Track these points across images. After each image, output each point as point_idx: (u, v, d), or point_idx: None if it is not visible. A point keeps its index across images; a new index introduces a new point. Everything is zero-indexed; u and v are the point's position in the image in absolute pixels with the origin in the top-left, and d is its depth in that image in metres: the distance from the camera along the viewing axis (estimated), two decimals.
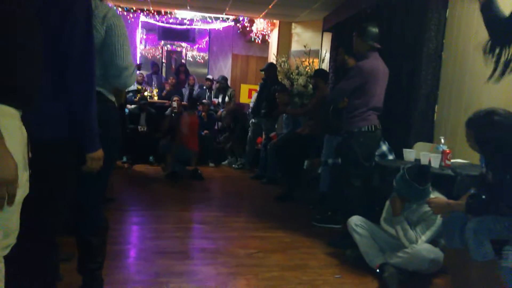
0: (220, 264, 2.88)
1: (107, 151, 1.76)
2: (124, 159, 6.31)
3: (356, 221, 2.93)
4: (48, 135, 1.53)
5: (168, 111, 6.88)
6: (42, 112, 1.50)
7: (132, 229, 3.59)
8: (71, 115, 1.57)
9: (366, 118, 3.22)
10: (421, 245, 2.60)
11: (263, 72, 6.33)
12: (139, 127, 6.58)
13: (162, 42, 10.29)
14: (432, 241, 2.67)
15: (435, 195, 2.62)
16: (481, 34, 3.23)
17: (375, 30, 3.25)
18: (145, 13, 9.09)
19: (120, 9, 8.58)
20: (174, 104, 6.67)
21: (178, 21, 9.54)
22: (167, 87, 8.43)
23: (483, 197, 2.23)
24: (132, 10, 8.83)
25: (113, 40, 1.83)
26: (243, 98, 9.27)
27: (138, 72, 7.88)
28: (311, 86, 6.19)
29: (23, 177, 1.19)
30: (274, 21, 8.78)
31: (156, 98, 8.01)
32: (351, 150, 3.25)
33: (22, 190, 1.21)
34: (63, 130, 1.57)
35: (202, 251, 3.14)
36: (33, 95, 1.25)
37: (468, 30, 3.40)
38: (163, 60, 10.43)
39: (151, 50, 10.26)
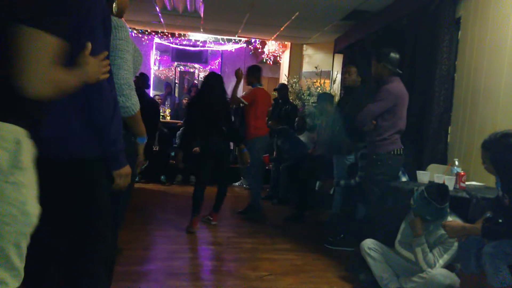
0: (230, 287, 2.85)
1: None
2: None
3: (369, 245, 2.87)
4: (77, 155, 1.49)
5: (179, 132, 6.93)
6: (70, 131, 1.47)
7: (143, 250, 3.58)
8: (96, 132, 1.52)
9: (395, 141, 3.29)
10: (437, 270, 2.54)
11: (275, 92, 6.39)
12: (152, 146, 6.63)
13: (175, 63, 10.47)
14: (448, 266, 2.60)
15: (452, 218, 2.57)
16: (494, 55, 3.22)
17: (396, 55, 3.31)
18: (159, 35, 9.29)
19: (135, 32, 8.79)
20: None
21: (191, 43, 9.73)
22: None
23: (500, 220, 2.18)
24: (146, 32, 9.04)
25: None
26: None
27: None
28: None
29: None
30: (286, 42, 8.89)
31: (168, 118, 8.10)
32: (379, 173, 3.26)
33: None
34: (91, 149, 1.52)
35: (213, 273, 3.11)
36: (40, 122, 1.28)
37: (481, 51, 3.39)
38: (176, 81, 10.59)
39: (164, 71, 10.44)
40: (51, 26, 1.10)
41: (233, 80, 10.27)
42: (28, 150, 1.16)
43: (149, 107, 4.60)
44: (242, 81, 4.87)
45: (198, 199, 4.16)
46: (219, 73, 5.40)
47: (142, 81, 4.77)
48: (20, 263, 1.15)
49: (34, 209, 1.16)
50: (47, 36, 1.09)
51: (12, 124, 1.12)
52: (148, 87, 5.62)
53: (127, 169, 1.65)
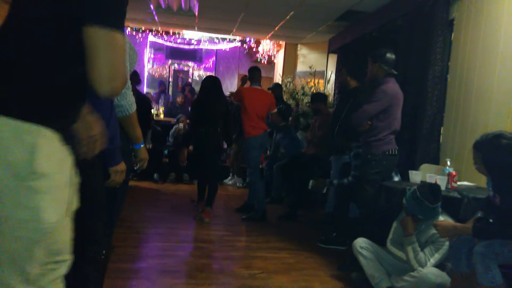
0: (222, 285, 2.84)
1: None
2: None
3: (361, 244, 2.88)
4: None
5: (172, 130, 6.91)
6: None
7: (135, 247, 3.56)
8: None
9: (389, 142, 3.31)
10: (428, 269, 2.56)
11: (270, 91, 6.39)
12: (145, 145, 6.58)
13: (170, 61, 10.43)
14: (439, 265, 2.62)
15: (444, 218, 2.59)
16: (487, 56, 3.25)
17: (391, 56, 3.31)
18: (153, 33, 9.24)
19: (129, 29, 8.73)
20: (181, 125, 6.67)
21: (185, 41, 9.70)
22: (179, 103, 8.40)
23: (490, 220, 2.20)
24: (141, 30, 8.99)
25: None
26: None
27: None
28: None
29: (69, 192, 1.19)
30: (280, 42, 8.89)
31: (162, 116, 8.08)
32: (374, 173, 3.28)
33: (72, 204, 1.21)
34: None
35: (205, 271, 3.10)
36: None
37: (473, 53, 3.42)
38: (170, 79, 10.55)
39: (158, 69, 10.40)
40: (122, 27, 1.09)
41: (227, 79, 10.22)
42: (50, 154, 1.08)
43: (141, 104, 4.59)
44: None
45: (201, 189, 4.78)
46: (214, 74, 5.49)
47: (131, 77, 4.78)
48: (31, 269, 1.10)
49: (50, 217, 1.09)
50: (122, 37, 1.08)
51: (34, 124, 1.05)
52: (139, 81, 5.55)
53: (122, 166, 1.69)
